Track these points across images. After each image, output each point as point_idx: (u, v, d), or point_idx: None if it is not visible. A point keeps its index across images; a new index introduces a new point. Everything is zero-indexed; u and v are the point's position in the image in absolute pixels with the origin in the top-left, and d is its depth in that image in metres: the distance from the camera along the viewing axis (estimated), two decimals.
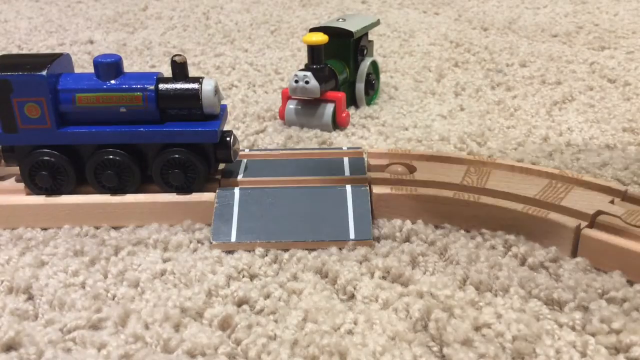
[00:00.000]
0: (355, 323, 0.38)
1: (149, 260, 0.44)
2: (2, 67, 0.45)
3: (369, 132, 0.65)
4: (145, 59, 0.93)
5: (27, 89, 0.45)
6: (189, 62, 0.91)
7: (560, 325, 0.37)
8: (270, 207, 0.48)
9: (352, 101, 0.72)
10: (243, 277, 0.43)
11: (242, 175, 0.51)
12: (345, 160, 0.52)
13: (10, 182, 0.51)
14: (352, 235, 0.46)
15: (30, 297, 0.41)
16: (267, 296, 0.41)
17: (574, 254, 0.44)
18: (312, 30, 0.68)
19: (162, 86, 0.47)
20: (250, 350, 0.36)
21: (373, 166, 0.52)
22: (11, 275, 0.43)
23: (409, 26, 1.07)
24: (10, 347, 0.37)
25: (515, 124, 0.67)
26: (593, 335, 0.36)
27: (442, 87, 0.78)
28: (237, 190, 0.49)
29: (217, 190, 0.49)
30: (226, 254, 0.45)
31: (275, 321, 0.39)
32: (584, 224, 0.43)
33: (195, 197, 0.49)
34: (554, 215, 0.44)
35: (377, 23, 0.75)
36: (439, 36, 1.01)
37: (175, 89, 0.47)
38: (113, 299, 0.41)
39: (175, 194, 0.49)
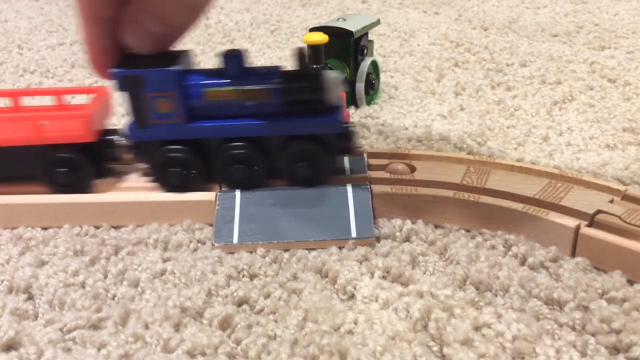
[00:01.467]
0: (355, 323, 0.38)
1: (149, 260, 0.44)
2: (132, 64, 0.45)
3: (369, 132, 0.65)
4: None
5: (159, 84, 0.45)
6: None
7: (560, 325, 0.37)
8: (272, 207, 0.48)
9: (352, 101, 0.72)
10: (243, 277, 0.43)
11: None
12: (346, 159, 0.52)
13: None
14: (353, 234, 0.46)
15: (30, 297, 0.41)
16: (267, 296, 0.41)
17: (573, 254, 0.44)
18: (312, 30, 0.68)
19: (287, 78, 0.47)
20: (250, 350, 0.36)
21: (373, 165, 0.52)
22: (11, 274, 0.43)
23: (409, 26, 1.07)
24: (10, 346, 0.37)
25: (515, 123, 0.67)
26: (593, 335, 0.36)
27: (442, 87, 0.78)
28: (238, 192, 0.49)
29: (217, 193, 0.49)
30: (226, 253, 0.45)
31: (275, 321, 0.39)
32: (583, 223, 0.43)
33: (196, 196, 0.49)
34: (553, 215, 0.44)
35: (377, 23, 0.75)
36: (439, 36, 1.01)
37: (300, 81, 0.47)
38: (113, 299, 0.41)
39: (175, 193, 0.49)
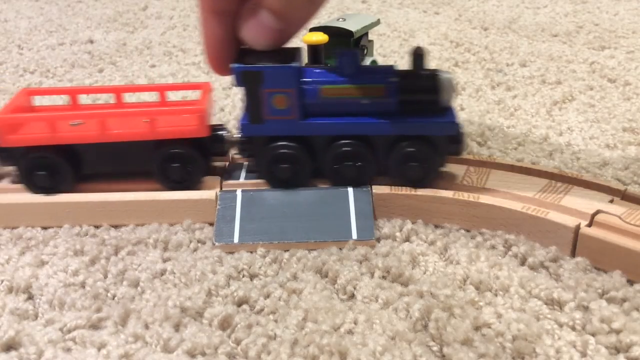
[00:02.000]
0: (355, 323, 0.38)
1: (149, 260, 0.44)
2: (251, 59, 0.45)
3: None
4: (145, 58, 0.93)
5: (278, 80, 0.46)
6: (189, 62, 0.91)
7: (561, 325, 0.37)
8: (273, 208, 0.48)
9: None
10: (243, 276, 0.43)
11: (243, 177, 0.51)
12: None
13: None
14: (354, 236, 0.46)
15: (30, 297, 0.41)
16: (267, 296, 0.41)
17: (573, 254, 0.44)
18: (312, 29, 0.68)
19: (403, 78, 0.47)
20: (250, 349, 0.36)
21: None
22: (11, 274, 0.43)
23: (409, 26, 1.07)
24: (10, 346, 0.37)
25: (515, 123, 0.67)
26: (593, 335, 0.36)
27: None
28: (239, 192, 0.49)
29: (218, 193, 0.49)
30: (226, 253, 0.45)
31: (275, 321, 0.39)
32: (583, 223, 0.43)
33: (196, 195, 0.49)
34: (553, 215, 0.44)
35: (377, 23, 0.74)
36: (439, 36, 1.01)
37: (415, 81, 0.47)
38: (113, 299, 0.41)
39: (175, 192, 0.49)
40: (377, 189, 0.48)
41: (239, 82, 0.46)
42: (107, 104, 0.53)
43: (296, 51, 0.47)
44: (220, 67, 0.45)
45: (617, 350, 0.36)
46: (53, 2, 1.32)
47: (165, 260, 0.45)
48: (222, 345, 0.36)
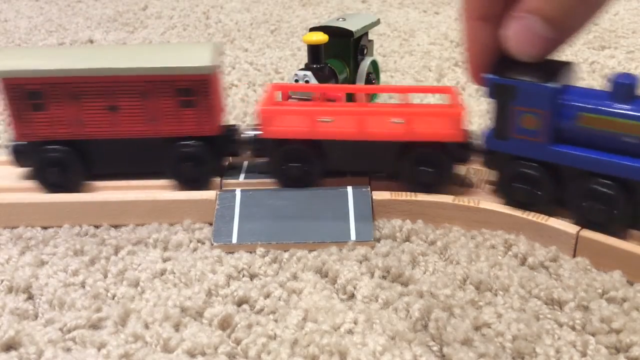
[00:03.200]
0: (355, 322, 0.38)
1: (149, 260, 0.44)
2: (508, 71, 0.42)
3: None
4: None
5: (530, 99, 0.42)
6: None
7: (561, 325, 0.37)
8: (272, 208, 0.48)
9: (352, 101, 0.72)
10: (243, 276, 0.43)
11: (243, 176, 0.51)
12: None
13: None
14: (353, 237, 0.46)
15: (30, 297, 0.41)
16: (267, 296, 0.41)
17: (574, 256, 0.44)
18: (312, 29, 0.68)
19: None
20: (250, 349, 0.36)
21: None
22: (11, 274, 0.43)
23: (409, 26, 1.07)
24: (10, 346, 0.37)
25: None
26: (593, 334, 0.36)
27: None
28: (238, 192, 0.49)
29: (218, 192, 0.49)
30: (226, 253, 0.45)
31: (275, 321, 0.39)
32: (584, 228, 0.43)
33: (196, 195, 0.49)
34: (553, 221, 0.44)
35: (377, 22, 0.75)
36: (439, 35, 1.01)
37: None
38: (113, 299, 0.41)
39: (174, 192, 0.49)
40: (377, 194, 0.48)
41: (490, 94, 0.43)
42: (357, 103, 0.54)
43: (564, 66, 0.43)
44: (479, 76, 0.43)
45: (617, 350, 0.36)
46: (53, 2, 1.32)
47: (165, 260, 0.45)
48: (222, 345, 0.36)
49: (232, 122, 0.68)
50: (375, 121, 0.48)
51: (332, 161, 0.49)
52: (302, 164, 0.49)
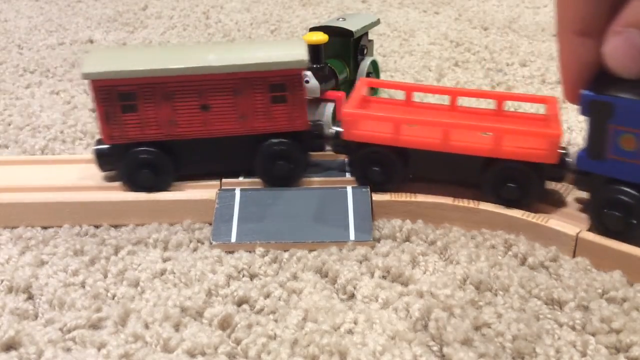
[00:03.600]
0: (355, 322, 0.38)
1: (149, 260, 0.44)
2: (605, 87, 0.39)
3: None
4: None
5: (630, 118, 0.39)
6: None
7: (561, 325, 0.37)
8: (271, 207, 0.48)
9: None
10: (243, 276, 0.43)
11: (242, 176, 0.51)
12: (346, 160, 0.52)
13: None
14: (352, 237, 0.45)
15: (30, 297, 0.41)
16: (267, 296, 0.41)
17: (574, 256, 0.44)
18: (312, 29, 0.68)
19: None
20: (250, 349, 0.36)
21: None
22: (11, 274, 0.43)
23: (409, 25, 1.07)
24: (10, 346, 0.37)
25: None
26: (593, 334, 0.36)
27: None
28: (237, 191, 0.49)
29: (217, 191, 0.49)
30: (226, 253, 0.45)
31: (275, 321, 0.39)
32: (584, 229, 0.43)
33: (196, 195, 0.49)
34: (553, 222, 0.44)
35: (377, 22, 0.74)
36: (439, 35, 1.01)
37: None
38: (113, 299, 0.41)
39: (174, 192, 0.49)
40: (377, 195, 0.48)
41: (585, 111, 0.40)
42: (443, 106, 0.52)
43: None
44: (573, 93, 0.41)
45: (617, 350, 0.36)
46: (53, 2, 1.32)
47: (165, 260, 0.45)
48: (222, 345, 0.36)
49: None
50: (462, 134, 0.46)
51: (415, 167, 0.48)
52: (383, 168, 0.48)
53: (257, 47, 0.51)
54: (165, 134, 0.48)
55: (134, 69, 0.46)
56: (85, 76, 0.46)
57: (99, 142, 0.49)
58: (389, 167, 0.48)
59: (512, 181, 0.45)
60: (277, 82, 0.47)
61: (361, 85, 0.52)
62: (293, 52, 0.48)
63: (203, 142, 0.49)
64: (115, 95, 0.47)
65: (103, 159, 0.49)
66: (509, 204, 0.46)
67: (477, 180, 0.47)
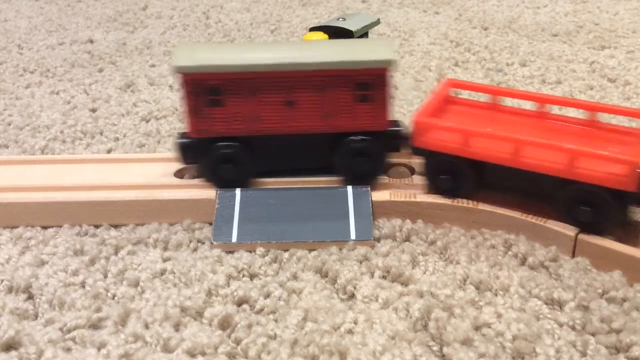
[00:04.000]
0: (355, 322, 0.38)
1: (149, 260, 0.44)
2: None
3: None
4: (145, 58, 0.93)
5: None
6: None
7: (561, 325, 0.37)
8: (272, 207, 0.48)
9: None
10: (243, 276, 0.43)
11: None
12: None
13: None
14: (353, 236, 0.45)
15: (30, 297, 0.41)
16: (267, 295, 0.41)
17: (573, 257, 0.44)
18: (312, 29, 0.68)
19: None
20: (250, 349, 0.36)
21: None
22: (11, 274, 0.43)
23: (409, 25, 1.07)
24: (10, 346, 0.37)
25: None
26: (593, 334, 0.36)
27: None
28: (238, 191, 0.49)
29: (218, 191, 0.49)
30: (226, 253, 0.45)
31: (275, 320, 0.39)
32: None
33: (196, 195, 0.49)
34: (552, 223, 0.44)
35: (377, 22, 0.74)
36: (439, 35, 1.01)
37: None
38: (113, 299, 0.41)
39: (174, 191, 0.49)
40: (377, 195, 0.48)
41: None
42: (531, 112, 0.49)
43: None
44: None
45: (617, 350, 0.36)
46: (53, 2, 1.32)
47: (165, 260, 0.45)
48: (222, 345, 0.36)
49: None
50: (535, 151, 0.43)
51: (487, 179, 0.47)
52: (454, 178, 0.47)
53: (344, 45, 0.51)
54: (249, 129, 0.48)
55: (223, 64, 0.46)
56: (177, 69, 0.46)
57: (182, 135, 0.50)
58: (459, 177, 0.47)
59: (586, 204, 0.42)
60: (362, 81, 0.47)
61: (445, 86, 0.51)
62: (381, 51, 0.47)
63: (283, 138, 0.49)
64: (204, 90, 0.47)
65: (187, 151, 0.49)
66: (584, 228, 0.43)
67: (551, 196, 0.44)
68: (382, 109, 0.48)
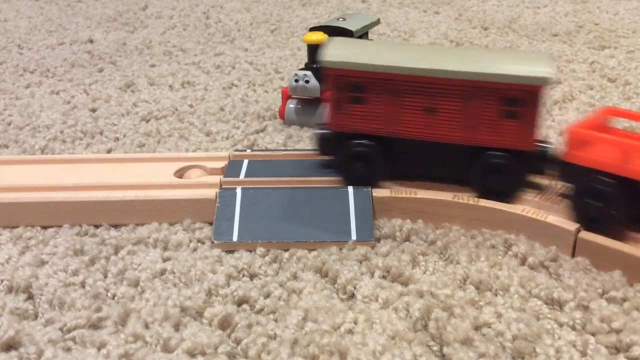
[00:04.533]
0: (355, 322, 0.38)
1: (149, 260, 0.44)
2: None
3: None
4: (145, 58, 0.93)
5: None
6: (188, 61, 0.90)
7: (561, 325, 0.37)
8: (272, 207, 0.48)
9: None
10: (243, 276, 0.43)
11: (243, 175, 0.51)
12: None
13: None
14: (353, 236, 0.45)
15: (30, 297, 0.41)
16: (267, 295, 0.41)
17: (573, 256, 0.44)
18: (312, 29, 0.68)
19: None
20: (250, 349, 0.36)
21: None
22: (11, 274, 0.43)
23: (409, 25, 1.07)
24: (10, 346, 0.37)
25: None
26: (593, 334, 0.36)
27: None
28: (238, 191, 0.49)
29: (218, 191, 0.49)
30: (226, 253, 0.45)
31: (275, 320, 0.39)
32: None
33: (196, 194, 0.49)
34: (552, 218, 0.44)
35: (377, 22, 0.75)
36: (439, 35, 1.01)
37: None
38: (113, 299, 0.41)
39: (174, 191, 0.49)
40: (378, 192, 0.48)
41: None
42: None
43: None
44: None
45: (617, 349, 0.36)
46: (53, 2, 1.32)
47: (165, 260, 0.45)
48: (222, 345, 0.36)
49: (231, 122, 0.68)
50: None
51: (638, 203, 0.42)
52: (604, 202, 0.42)
53: (496, 56, 0.49)
54: (387, 129, 0.48)
55: (369, 63, 0.46)
56: (328, 64, 0.47)
57: (323, 127, 0.50)
58: (609, 203, 0.42)
59: None
60: (512, 97, 0.45)
61: (602, 114, 0.46)
62: (537, 67, 0.44)
63: (419, 144, 0.48)
64: (348, 86, 0.47)
65: (325, 143, 0.50)
66: None
67: None
68: (529, 128, 0.45)
